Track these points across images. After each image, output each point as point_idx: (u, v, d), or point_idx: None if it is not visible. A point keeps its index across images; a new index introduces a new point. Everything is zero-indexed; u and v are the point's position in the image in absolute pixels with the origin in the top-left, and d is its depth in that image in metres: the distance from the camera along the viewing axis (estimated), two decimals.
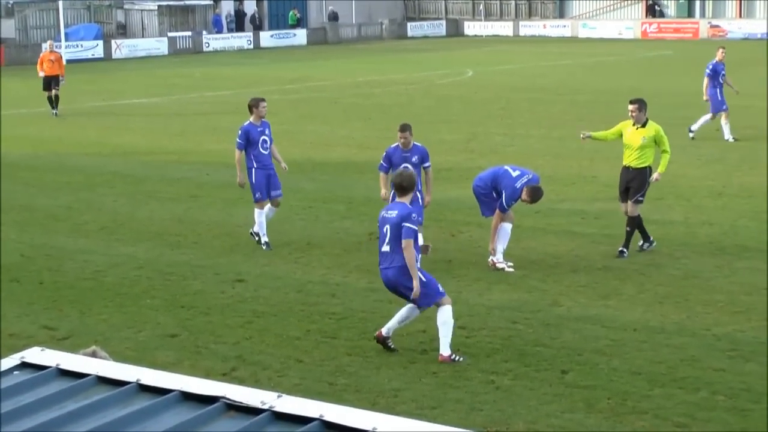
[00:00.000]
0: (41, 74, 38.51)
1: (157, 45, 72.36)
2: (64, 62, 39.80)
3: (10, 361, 5.35)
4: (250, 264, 17.28)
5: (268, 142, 18.39)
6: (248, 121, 18.37)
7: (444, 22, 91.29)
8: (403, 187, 12.77)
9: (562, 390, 11.63)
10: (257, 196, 18.33)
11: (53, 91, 38.16)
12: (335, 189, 23.35)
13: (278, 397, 4.83)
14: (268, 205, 18.51)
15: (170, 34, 73.92)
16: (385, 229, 12.57)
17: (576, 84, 46.92)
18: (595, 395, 11.45)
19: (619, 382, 11.81)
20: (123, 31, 76.20)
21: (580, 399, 11.36)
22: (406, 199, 12.76)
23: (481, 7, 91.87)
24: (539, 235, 18.79)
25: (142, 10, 76.58)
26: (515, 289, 15.59)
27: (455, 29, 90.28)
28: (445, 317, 12.68)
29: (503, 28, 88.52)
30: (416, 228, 12.74)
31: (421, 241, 14.33)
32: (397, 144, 17.03)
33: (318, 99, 41.46)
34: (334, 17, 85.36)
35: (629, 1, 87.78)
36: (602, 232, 18.91)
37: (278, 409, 4.74)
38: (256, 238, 18.45)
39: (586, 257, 17.32)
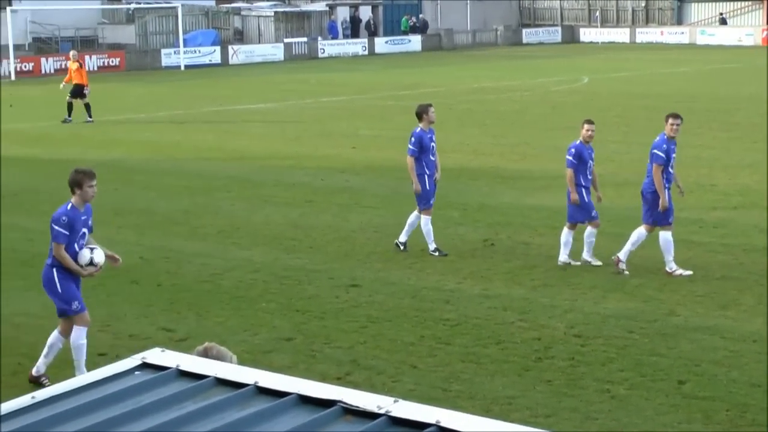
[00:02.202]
0: (63, 85, 39.03)
1: (273, 51, 73.01)
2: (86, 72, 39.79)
3: (132, 361, 5.43)
4: (365, 269, 17.34)
5: (435, 149, 18.42)
6: (419, 128, 18.27)
7: (559, 29, 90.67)
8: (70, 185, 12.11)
9: (678, 401, 11.47)
10: (431, 202, 18.23)
11: (80, 100, 38.37)
12: (449, 195, 23.29)
13: (395, 402, 4.83)
14: (416, 212, 18.40)
15: (286, 40, 74.53)
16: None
17: (693, 91, 46.22)
18: (713, 407, 11.26)
19: (738, 394, 11.60)
20: (240, 36, 77.11)
21: (698, 410, 11.18)
22: (73, 199, 12.05)
23: (597, 13, 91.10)
24: (656, 243, 18.52)
25: (258, 17, 77.40)
26: (631, 298, 15.41)
27: (571, 36, 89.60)
28: (76, 339, 12.12)
29: (620, 34, 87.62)
30: (62, 230, 11.86)
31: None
32: (579, 140, 17.30)
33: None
34: (424, 26, 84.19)
35: (750, 8, 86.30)
36: (720, 242, 18.60)
37: (395, 414, 4.74)
38: (402, 248, 18.36)
39: (703, 266, 17.05)
